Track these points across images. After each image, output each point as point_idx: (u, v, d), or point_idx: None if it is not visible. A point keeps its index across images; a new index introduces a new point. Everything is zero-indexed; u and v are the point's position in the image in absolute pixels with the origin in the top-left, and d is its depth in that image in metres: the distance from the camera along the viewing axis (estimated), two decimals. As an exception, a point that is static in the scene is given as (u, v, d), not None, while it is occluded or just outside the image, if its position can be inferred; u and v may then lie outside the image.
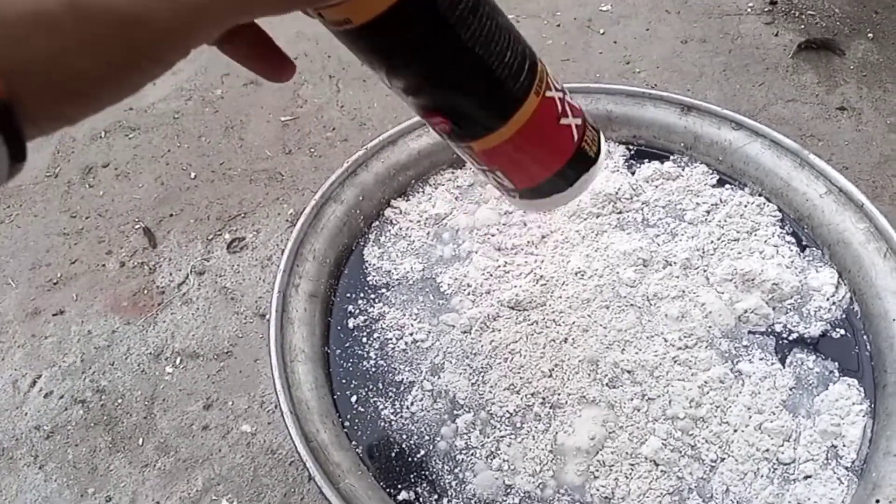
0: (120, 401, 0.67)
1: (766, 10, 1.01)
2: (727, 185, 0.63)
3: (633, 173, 0.65)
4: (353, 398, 0.53)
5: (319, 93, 0.96)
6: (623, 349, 0.53)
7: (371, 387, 0.53)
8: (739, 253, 0.58)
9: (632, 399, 0.51)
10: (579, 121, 0.37)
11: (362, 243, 0.62)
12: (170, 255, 0.78)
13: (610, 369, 0.52)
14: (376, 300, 0.58)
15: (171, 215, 0.83)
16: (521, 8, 1.03)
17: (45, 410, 0.67)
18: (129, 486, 0.62)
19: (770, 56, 0.94)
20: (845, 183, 0.57)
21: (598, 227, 0.60)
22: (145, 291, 0.75)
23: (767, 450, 0.48)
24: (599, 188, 0.62)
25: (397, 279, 0.59)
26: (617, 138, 0.67)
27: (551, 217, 0.61)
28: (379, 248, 0.61)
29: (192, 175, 0.87)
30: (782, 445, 0.48)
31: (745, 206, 0.61)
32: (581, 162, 0.38)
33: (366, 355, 0.55)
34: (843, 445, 0.48)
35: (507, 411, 0.51)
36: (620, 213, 0.62)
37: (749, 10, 1.01)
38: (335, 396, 0.53)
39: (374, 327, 0.56)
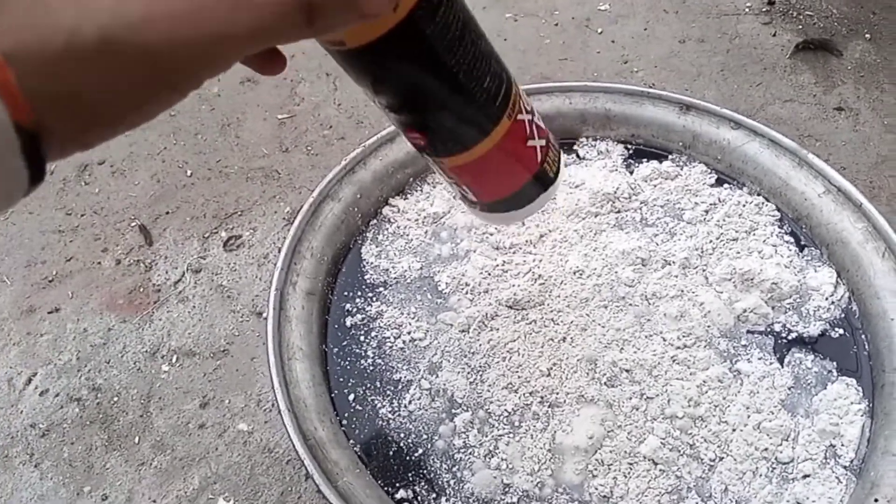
0: (116, 399, 0.66)
1: (763, 10, 1.01)
2: (726, 185, 0.63)
3: (631, 172, 0.64)
4: (351, 396, 0.53)
5: (316, 90, 0.95)
6: (622, 348, 0.53)
7: (369, 385, 0.53)
8: (738, 252, 0.58)
9: (630, 398, 0.51)
10: (543, 142, 0.40)
11: (360, 241, 0.62)
12: (166, 252, 0.78)
13: (608, 368, 0.52)
14: (374, 298, 0.58)
15: (168, 213, 0.82)
16: (518, 7, 1.03)
17: (41, 408, 0.66)
18: (125, 484, 0.61)
19: (768, 56, 0.94)
20: (844, 182, 0.57)
21: (597, 227, 0.60)
22: (141, 289, 0.75)
23: (766, 449, 0.48)
24: (598, 187, 0.62)
25: (395, 277, 0.59)
26: (615, 137, 0.67)
27: (550, 216, 0.61)
28: (377, 247, 0.61)
29: (189, 173, 0.87)
30: (781, 445, 0.48)
31: (744, 205, 0.61)
32: (541, 181, 0.41)
33: (363, 353, 0.55)
34: (842, 445, 0.48)
35: (506, 410, 0.51)
36: (619, 212, 0.62)
37: (747, 10, 1.01)
38: (333, 394, 0.53)
39: (371, 325, 0.56)
